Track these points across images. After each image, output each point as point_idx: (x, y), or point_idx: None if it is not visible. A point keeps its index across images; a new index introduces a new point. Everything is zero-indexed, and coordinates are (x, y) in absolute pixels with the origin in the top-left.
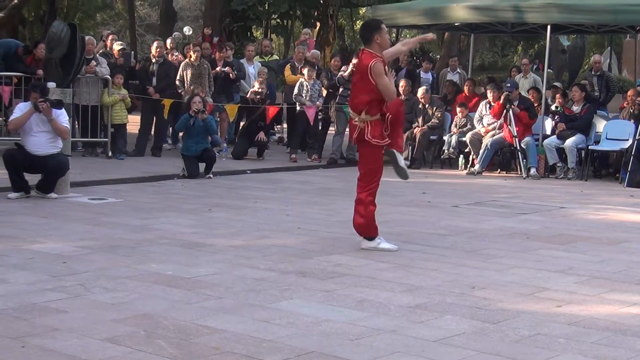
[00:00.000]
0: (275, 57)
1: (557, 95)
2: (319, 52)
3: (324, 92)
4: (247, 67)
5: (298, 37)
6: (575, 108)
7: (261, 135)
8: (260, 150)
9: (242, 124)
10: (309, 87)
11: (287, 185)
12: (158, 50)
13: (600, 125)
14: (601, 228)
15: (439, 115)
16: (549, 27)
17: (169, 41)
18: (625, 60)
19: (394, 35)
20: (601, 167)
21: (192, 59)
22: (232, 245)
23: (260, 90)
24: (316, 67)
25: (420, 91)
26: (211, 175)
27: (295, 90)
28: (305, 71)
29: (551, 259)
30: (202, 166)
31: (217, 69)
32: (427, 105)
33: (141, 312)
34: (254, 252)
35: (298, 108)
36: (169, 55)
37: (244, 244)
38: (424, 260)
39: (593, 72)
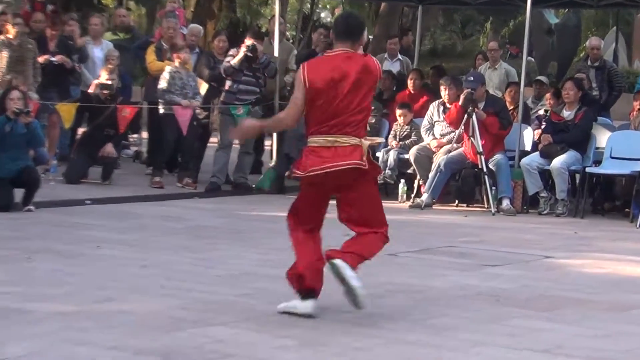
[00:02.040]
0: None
1: (548, 95)
2: (200, 28)
3: (202, 87)
4: (92, 49)
5: (165, 5)
6: (567, 113)
7: (108, 149)
8: (106, 170)
9: (81, 131)
10: (183, 78)
11: (146, 222)
12: None
13: (602, 137)
14: (603, 287)
15: (373, 121)
16: None
17: None
18: (636, 47)
19: (309, 5)
20: (603, 198)
21: (10, 36)
22: (60, 311)
23: (109, 82)
24: (197, 50)
25: None
26: (32, 207)
27: (162, 84)
28: (177, 56)
29: (531, 333)
30: (19, 193)
31: (45, 56)
32: None
33: None
34: (92, 322)
35: (162, 110)
36: None
37: (77, 310)
38: (345, 335)
39: (590, 63)
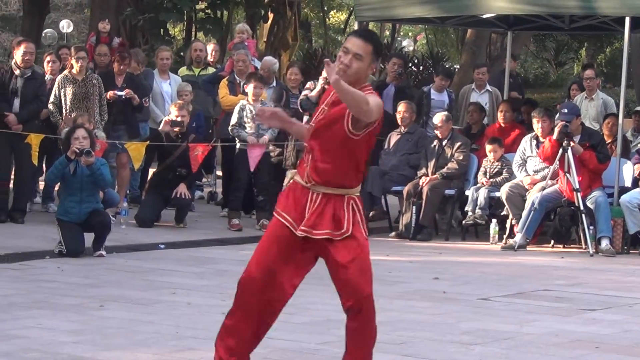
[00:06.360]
0: (212, 69)
1: None
2: (274, 61)
3: None
4: (160, 84)
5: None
6: None
7: (182, 190)
8: (180, 212)
9: (151, 171)
10: (254, 112)
11: (223, 267)
12: (26, 57)
13: None
14: None
15: (461, 157)
16: (627, 20)
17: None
18: None
19: (387, 33)
20: None
21: (74, 71)
22: None
23: (179, 119)
24: (275, 83)
25: (438, 118)
26: (103, 253)
27: (233, 119)
28: (249, 88)
29: None
30: (89, 238)
31: (113, 92)
32: (444, 142)
33: None
34: None
35: (238, 146)
36: (47, 64)
37: None
38: None
39: None
